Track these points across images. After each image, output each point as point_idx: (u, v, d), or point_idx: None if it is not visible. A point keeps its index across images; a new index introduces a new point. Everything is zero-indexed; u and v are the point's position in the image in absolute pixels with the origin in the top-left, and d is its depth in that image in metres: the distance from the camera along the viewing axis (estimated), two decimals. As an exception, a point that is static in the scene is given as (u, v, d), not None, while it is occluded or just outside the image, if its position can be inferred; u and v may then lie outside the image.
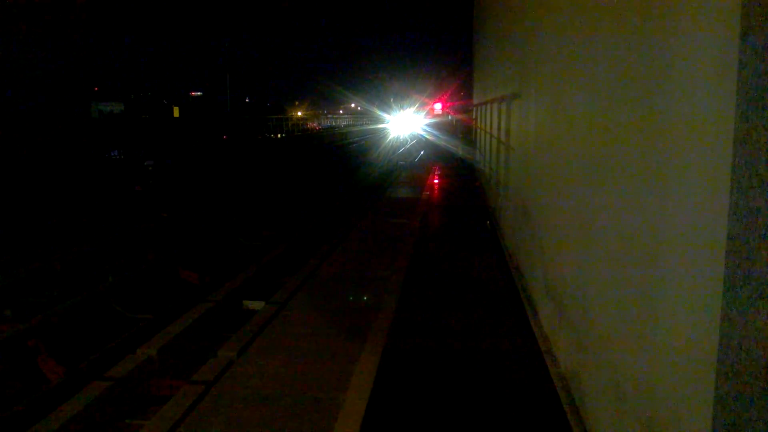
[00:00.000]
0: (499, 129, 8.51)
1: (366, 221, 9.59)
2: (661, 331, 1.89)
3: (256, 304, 5.99)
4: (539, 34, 4.68)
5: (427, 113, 41.91)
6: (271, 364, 4.10)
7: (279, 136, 37.08)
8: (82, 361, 5.17)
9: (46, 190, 14.04)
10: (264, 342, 4.51)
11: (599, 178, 2.71)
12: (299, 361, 4.15)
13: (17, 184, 14.22)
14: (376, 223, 9.39)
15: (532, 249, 4.91)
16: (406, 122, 45.63)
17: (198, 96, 60.26)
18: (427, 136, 35.31)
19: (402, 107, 51.30)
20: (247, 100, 63.33)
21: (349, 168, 22.67)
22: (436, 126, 36.22)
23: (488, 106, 11.41)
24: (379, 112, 59.94)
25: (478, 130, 15.44)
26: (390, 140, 38.13)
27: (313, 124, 54.47)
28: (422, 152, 27.63)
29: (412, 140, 38.75)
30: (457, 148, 23.24)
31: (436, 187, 14.66)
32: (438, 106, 38.54)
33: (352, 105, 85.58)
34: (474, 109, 19.25)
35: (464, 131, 25.75)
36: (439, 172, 17.81)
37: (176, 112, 48.30)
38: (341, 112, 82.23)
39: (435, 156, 24.52)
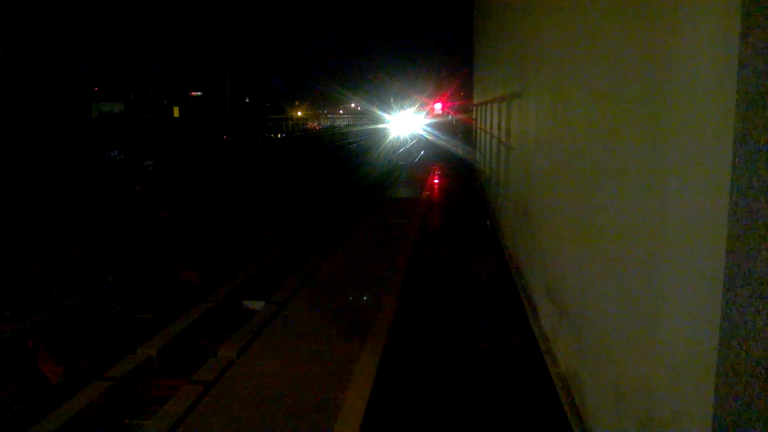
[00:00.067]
0: (499, 129, 8.51)
1: (366, 221, 9.59)
2: (661, 331, 1.89)
3: (256, 304, 5.99)
4: (539, 33, 4.68)
5: (428, 113, 41.93)
6: (271, 364, 4.10)
7: (279, 136, 37.10)
8: (82, 361, 5.16)
9: (46, 190, 14.04)
10: (264, 342, 4.51)
11: (599, 178, 2.71)
12: (299, 361, 4.15)
13: (17, 184, 14.22)
14: (376, 223, 9.38)
15: (532, 249, 4.91)
16: (407, 122, 45.64)
17: (198, 96, 60.24)
18: (428, 136, 35.31)
19: (402, 107, 51.34)
20: (247, 100, 63.31)
21: (349, 168, 22.68)
22: (436, 126, 36.23)
23: (488, 106, 11.41)
24: (380, 112, 59.99)
25: (478, 130, 15.44)
26: (390, 140, 38.13)
27: (313, 124, 54.48)
28: (422, 152, 27.63)
29: (412, 140, 38.76)
30: (457, 148, 23.24)
31: (436, 187, 14.66)
32: (438, 106, 38.54)
33: (352, 105, 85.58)
34: (474, 109, 19.24)
35: (464, 131, 25.76)
36: (439, 172, 17.81)
37: (176, 112, 48.30)
38: (341, 112, 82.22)
39: (435, 156, 24.52)
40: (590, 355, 2.87)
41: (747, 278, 1.28)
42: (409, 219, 9.53)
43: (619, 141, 2.41)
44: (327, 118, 66.19)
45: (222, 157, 24.03)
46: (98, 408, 3.93)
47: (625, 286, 2.29)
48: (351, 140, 43.23)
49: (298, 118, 52.04)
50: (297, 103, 72.03)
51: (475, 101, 18.54)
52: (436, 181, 15.85)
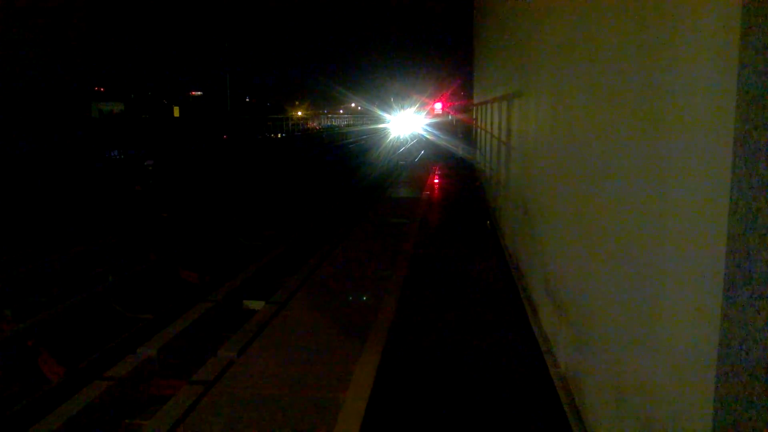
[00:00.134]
0: (499, 129, 8.51)
1: (366, 221, 9.59)
2: (661, 331, 1.89)
3: (256, 304, 5.99)
4: (540, 32, 4.68)
5: (428, 113, 41.91)
6: (271, 364, 4.10)
7: (279, 135, 37.11)
8: (82, 361, 5.17)
9: (46, 190, 14.05)
10: (264, 342, 4.51)
11: (599, 178, 2.71)
12: (299, 360, 4.15)
13: (17, 184, 14.22)
14: (376, 223, 9.38)
15: (532, 249, 4.91)
16: (407, 122, 45.62)
17: (198, 96, 60.21)
18: (428, 136, 35.30)
19: (402, 107, 51.31)
20: (247, 100, 63.31)
21: (349, 168, 22.67)
22: (436, 126, 36.21)
23: (488, 105, 11.41)
24: (380, 112, 59.95)
25: (479, 130, 15.44)
26: (390, 140, 38.13)
27: (313, 124, 54.51)
28: (422, 152, 27.63)
29: (412, 140, 38.75)
30: (457, 147, 23.24)
31: (436, 186, 14.66)
32: (438, 106, 38.54)
33: (353, 105, 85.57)
34: (474, 108, 19.25)
35: (464, 131, 25.75)
36: (439, 172, 17.81)
37: (176, 112, 48.30)
38: (341, 111, 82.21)
39: (435, 156, 24.52)
40: (590, 355, 2.87)
41: (747, 278, 1.28)
42: (409, 219, 9.53)
43: (619, 141, 2.41)
44: (327, 117, 66.23)
45: (222, 157, 24.04)
46: (98, 408, 3.93)
47: (625, 286, 2.29)
48: (351, 140, 43.24)
49: (299, 118, 52.06)
50: (297, 102, 72.04)
51: (475, 101, 18.54)
52: (436, 180, 15.85)
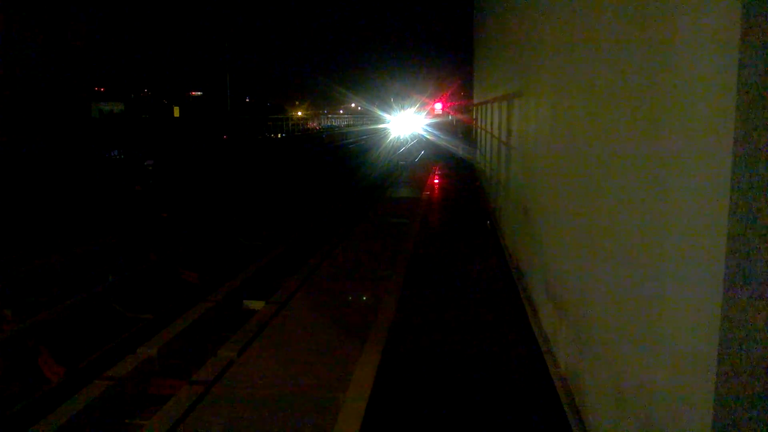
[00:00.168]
0: (499, 129, 8.51)
1: (366, 221, 9.59)
2: (661, 331, 1.89)
3: (256, 304, 5.99)
4: (540, 32, 4.68)
5: (428, 113, 41.94)
6: (271, 364, 4.10)
7: (279, 136, 37.11)
8: (82, 361, 5.17)
9: (47, 190, 14.05)
10: (264, 342, 4.51)
11: (599, 178, 2.71)
12: (299, 360, 4.15)
13: (17, 184, 14.22)
14: (376, 223, 9.39)
15: (532, 249, 4.91)
16: (407, 122, 45.61)
17: (198, 96, 60.20)
18: (428, 136, 35.30)
19: (402, 107, 51.31)
20: (247, 100, 63.30)
21: (349, 168, 22.67)
22: (436, 126, 36.22)
23: (488, 105, 11.41)
24: (380, 112, 59.94)
25: (479, 130, 15.44)
26: (390, 140, 38.12)
27: (313, 124, 54.50)
28: (423, 152, 27.63)
29: (412, 140, 38.75)
30: (457, 148, 23.25)
31: (436, 187, 14.66)
32: (438, 106, 38.57)
33: (353, 105, 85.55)
34: (474, 108, 19.25)
35: (464, 131, 25.77)
36: (439, 172, 17.81)
37: (176, 112, 48.27)
38: (341, 112, 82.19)
39: (435, 156, 24.52)
40: (590, 355, 2.87)
41: (747, 278, 1.28)
42: (409, 219, 9.53)
43: (619, 141, 2.41)
44: (327, 118, 66.22)
45: (222, 157, 24.05)
46: (98, 408, 3.93)
47: (625, 286, 2.29)
48: (351, 140, 43.24)
49: (299, 118, 52.06)
50: (297, 102, 72.02)
51: (475, 101, 18.54)
52: (436, 181, 15.85)
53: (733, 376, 1.34)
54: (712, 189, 1.50)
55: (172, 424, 3.33)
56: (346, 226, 9.65)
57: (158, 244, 9.29)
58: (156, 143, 23.77)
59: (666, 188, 1.86)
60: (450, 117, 35.45)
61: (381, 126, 54.13)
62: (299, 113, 61.02)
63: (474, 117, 18.94)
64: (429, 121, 39.63)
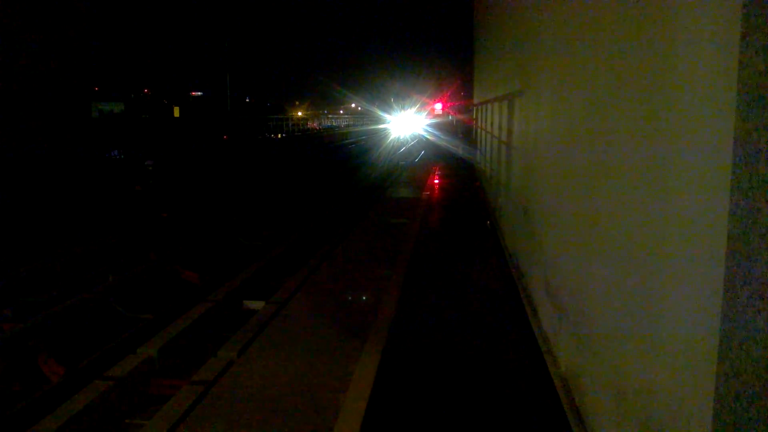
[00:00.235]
0: (499, 129, 8.51)
1: (366, 221, 9.59)
2: (661, 331, 1.89)
3: (256, 304, 5.99)
4: (540, 32, 4.68)
5: (428, 113, 41.97)
6: (271, 364, 4.10)
7: (279, 136, 37.10)
8: (82, 361, 5.17)
9: (46, 190, 14.05)
10: (264, 342, 4.51)
11: (600, 178, 2.71)
12: (299, 360, 4.15)
13: (17, 184, 14.22)
14: (376, 223, 9.39)
15: (532, 249, 4.91)
16: (407, 122, 45.65)
17: (198, 96, 60.18)
18: (428, 137, 35.32)
19: (403, 107, 51.36)
20: (247, 100, 63.29)
21: (349, 168, 22.67)
22: (436, 126, 36.26)
23: (489, 105, 11.41)
24: (380, 113, 60.00)
25: (479, 130, 15.45)
26: (391, 140, 38.13)
27: (313, 124, 54.47)
28: (423, 152, 27.63)
29: (412, 140, 38.76)
30: (457, 148, 23.26)
31: (436, 187, 14.66)
32: (438, 107, 38.60)
33: (353, 105, 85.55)
34: (474, 109, 19.26)
35: (464, 131, 25.79)
36: (439, 172, 17.81)
37: (176, 112, 48.26)
38: (342, 112, 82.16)
39: (435, 156, 24.53)
40: (590, 355, 2.87)
41: (747, 278, 1.28)
42: (409, 219, 9.53)
43: (619, 141, 2.41)
44: (327, 118, 66.18)
45: (222, 157, 24.04)
46: (98, 408, 3.93)
47: (625, 286, 2.29)
48: (351, 140, 43.23)
49: (299, 118, 52.03)
50: (297, 103, 72.04)
51: (476, 101, 18.55)
52: (436, 181, 15.85)
53: (733, 376, 1.34)
54: (712, 189, 1.50)
55: (172, 424, 3.33)
56: (347, 226, 9.65)
57: (158, 244, 9.28)
58: (156, 143, 23.77)
59: (666, 188, 1.86)
60: (450, 117, 35.47)
61: (381, 126, 54.16)
62: (299, 113, 61.01)
63: (474, 117, 18.95)
64: (429, 121, 39.66)
